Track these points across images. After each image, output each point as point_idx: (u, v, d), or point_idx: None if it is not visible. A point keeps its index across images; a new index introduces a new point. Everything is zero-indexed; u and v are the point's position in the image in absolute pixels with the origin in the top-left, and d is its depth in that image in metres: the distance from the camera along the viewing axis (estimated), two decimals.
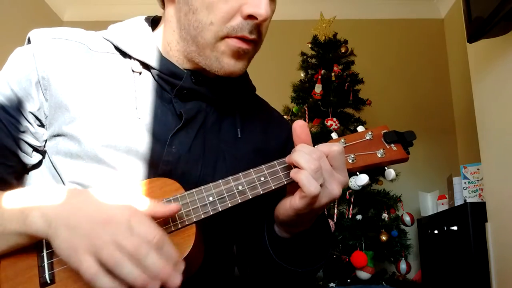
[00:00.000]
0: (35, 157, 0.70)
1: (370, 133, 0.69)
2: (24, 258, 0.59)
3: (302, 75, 2.74)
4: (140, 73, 0.72)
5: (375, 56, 3.29)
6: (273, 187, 0.63)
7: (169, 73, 0.71)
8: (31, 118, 0.68)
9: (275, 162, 0.65)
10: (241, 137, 0.77)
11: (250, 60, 0.72)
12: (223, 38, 0.66)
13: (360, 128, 0.72)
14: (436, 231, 2.51)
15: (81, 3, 3.46)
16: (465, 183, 2.34)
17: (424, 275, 2.68)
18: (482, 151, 2.03)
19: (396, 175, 2.10)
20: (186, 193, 0.62)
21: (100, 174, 0.65)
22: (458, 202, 2.39)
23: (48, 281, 0.58)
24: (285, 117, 2.53)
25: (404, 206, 2.47)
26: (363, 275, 2.19)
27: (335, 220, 2.28)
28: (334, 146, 0.62)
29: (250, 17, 0.65)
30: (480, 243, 2.01)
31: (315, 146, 0.63)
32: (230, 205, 0.62)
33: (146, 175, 0.67)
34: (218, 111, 0.76)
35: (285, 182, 0.64)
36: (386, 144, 0.68)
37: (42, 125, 0.69)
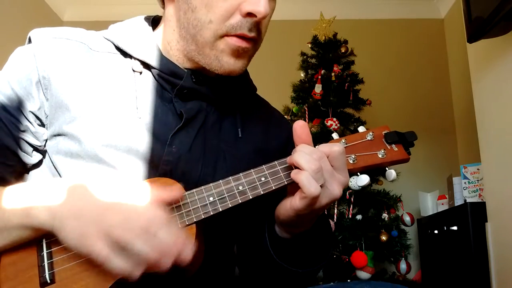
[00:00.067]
0: (35, 157, 0.70)
1: (371, 134, 0.69)
2: (24, 258, 0.60)
3: (302, 75, 2.74)
4: (140, 73, 0.72)
5: (375, 56, 3.29)
6: (273, 188, 0.63)
7: (169, 73, 0.71)
8: (31, 117, 0.68)
9: (276, 162, 0.65)
10: (242, 137, 0.77)
11: (250, 58, 0.71)
12: (222, 36, 0.66)
13: (361, 129, 0.71)
14: (436, 231, 2.51)
15: (81, 3, 3.46)
16: (465, 183, 2.34)
17: (424, 275, 2.68)
18: (482, 151, 2.03)
19: (396, 175, 2.10)
20: (186, 193, 0.62)
21: (100, 174, 0.65)
22: (458, 202, 2.39)
23: (48, 281, 0.58)
24: (285, 117, 2.53)
25: (404, 206, 2.47)
26: (363, 275, 2.19)
27: (335, 220, 2.28)
28: (335, 147, 0.62)
29: (249, 14, 0.65)
30: (480, 243, 2.01)
31: (316, 147, 0.63)
32: (230, 205, 0.62)
33: (146, 175, 0.66)
34: (219, 111, 0.76)
35: (286, 183, 0.63)
36: (387, 145, 0.68)
37: (42, 124, 0.69)
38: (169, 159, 0.68)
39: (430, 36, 3.40)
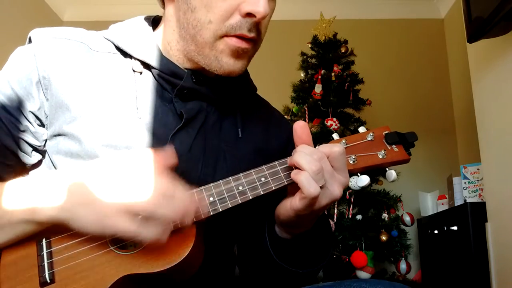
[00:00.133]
0: (34, 157, 0.70)
1: (371, 134, 0.69)
2: (24, 257, 0.60)
3: (302, 75, 2.74)
4: (140, 73, 0.72)
5: (375, 56, 3.29)
6: (273, 188, 0.63)
7: (169, 73, 0.71)
8: (31, 117, 0.67)
9: (276, 162, 0.65)
10: (242, 137, 0.77)
11: (250, 59, 0.71)
12: (222, 36, 0.66)
13: (362, 129, 0.71)
14: (436, 231, 2.51)
15: (81, 3, 3.46)
16: (465, 183, 2.34)
17: (424, 275, 2.68)
18: (482, 151, 2.03)
19: (397, 175, 2.10)
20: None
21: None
22: (458, 202, 2.39)
23: (48, 281, 0.58)
24: (285, 117, 2.53)
25: (404, 206, 2.47)
26: (363, 275, 2.19)
27: (335, 220, 2.28)
28: (335, 147, 0.62)
29: (249, 15, 0.64)
30: (480, 243, 2.01)
31: (316, 147, 0.63)
32: (230, 206, 0.62)
33: None
34: (219, 111, 0.76)
35: (286, 183, 0.63)
36: (388, 145, 0.68)
37: (42, 124, 0.69)
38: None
39: (430, 36, 3.40)
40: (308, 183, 0.58)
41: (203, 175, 0.70)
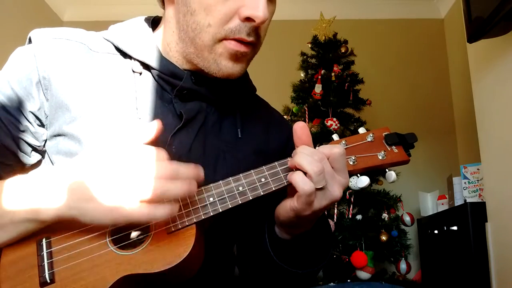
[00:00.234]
0: (34, 157, 0.70)
1: (371, 135, 0.69)
2: (24, 257, 0.60)
3: (302, 75, 2.74)
4: (140, 74, 0.72)
5: (375, 56, 3.29)
6: (273, 188, 0.63)
7: (169, 74, 0.71)
8: (31, 117, 0.67)
9: (276, 163, 0.65)
10: (242, 137, 0.77)
11: (249, 62, 0.71)
12: (221, 40, 0.66)
13: (361, 130, 0.71)
14: (436, 231, 2.51)
15: (81, 3, 3.46)
16: (465, 183, 2.34)
17: (424, 275, 2.68)
18: (482, 151, 2.03)
19: (396, 175, 2.10)
20: None
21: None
22: (458, 202, 2.39)
23: (48, 281, 0.58)
24: (285, 117, 2.53)
25: (404, 206, 2.47)
26: (363, 275, 2.19)
27: (335, 220, 2.28)
28: (336, 148, 0.62)
29: (248, 19, 0.64)
30: (480, 243, 2.01)
31: (316, 148, 0.63)
32: (230, 206, 0.62)
33: None
34: (219, 111, 0.76)
35: (286, 184, 0.63)
36: (387, 146, 0.68)
37: (42, 125, 0.69)
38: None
39: (430, 36, 3.40)
40: (301, 181, 0.59)
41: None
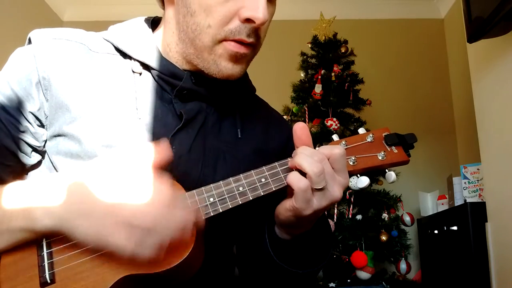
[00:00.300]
0: (34, 158, 0.70)
1: (371, 135, 0.69)
2: (24, 258, 0.60)
3: (302, 75, 2.74)
4: (140, 74, 0.72)
5: (375, 56, 3.29)
6: (273, 189, 0.63)
7: (169, 74, 0.71)
8: (31, 118, 0.67)
9: (276, 163, 0.65)
10: (241, 137, 0.77)
11: (248, 63, 0.71)
12: (220, 41, 0.66)
13: (361, 130, 0.71)
14: (436, 231, 2.51)
15: (81, 3, 3.46)
16: (465, 183, 2.34)
17: (424, 275, 2.68)
18: (482, 151, 2.03)
19: (396, 175, 2.10)
20: (186, 193, 0.62)
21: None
22: (458, 202, 2.39)
23: (48, 281, 0.58)
24: (285, 117, 2.54)
25: (404, 206, 2.47)
26: (363, 275, 2.19)
27: (335, 220, 2.28)
28: (336, 149, 0.62)
29: (248, 20, 0.64)
30: (480, 243, 2.01)
31: (316, 148, 0.63)
32: (230, 206, 0.62)
33: None
34: (218, 112, 0.76)
35: (286, 184, 0.63)
36: (387, 147, 0.68)
37: (42, 125, 0.69)
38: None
39: (430, 36, 3.40)
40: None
41: (203, 176, 0.70)
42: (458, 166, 2.66)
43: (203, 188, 0.63)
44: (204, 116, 0.73)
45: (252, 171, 0.64)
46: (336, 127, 2.42)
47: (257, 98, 0.88)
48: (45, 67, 0.67)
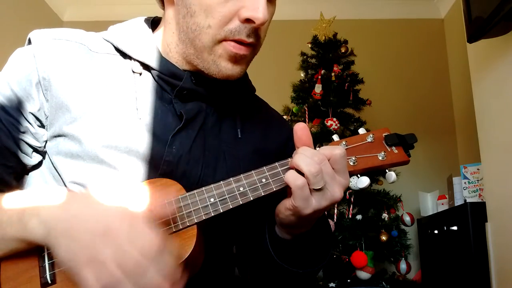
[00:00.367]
0: (35, 158, 0.70)
1: (371, 136, 0.69)
2: (25, 258, 0.59)
3: (302, 75, 2.74)
4: (140, 74, 0.72)
5: (375, 56, 3.29)
6: (274, 189, 0.63)
7: (169, 74, 0.71)
8: (31, 118, 0.67)
9: (277, 163, 0.65)
10: (241, 137, 0.77)
11: (248, 63, 0.72)
12: (220, 41, 0.66)
13: (361, 130, 0.72)
14: (436, 231, 2.51)
15: (81, 3, 3.46)
16: (465, 183, 2.34)
17: (424, 275, 2.68)
18: (482, 151, 2.03)
19: (396, 175, 2.10)
20: (187, 194, 0.62)
21: (100, 175, 0.65)
22: (458, 202, 2.39)
23: (49, 281, 0.58)
24: (285, 117, 2.54)
25: (404, 206, 2.47)
26: (363, 275, 2.19)
27: (335, 220, 2.28)
28: (337, 150, 0.62)
29: (248, 20, 0.64)
30: (480, 243, 2.01)
31: (317, 149, 0.63)
32: (231, 206, 0.62)
33: (147, 176, 0.67)
34: (218, 112, 0.76)
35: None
36: (387, 147, 0.68)
37: (42, 125, 0.69)
38: (170, 160, 0.68)
39: (430, 36, 3.40)
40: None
41: (203, 176, 0.70)
42: (458, 166, 2.66)
43: (203, 188, 0.63)
44: (204, 116, 0.73)
45: (253, 171, 0.64)
46: (336, 127, 2.42)
47: (257, 98, 0.88)
48: (45, 67, 0.67)
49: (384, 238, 2.24)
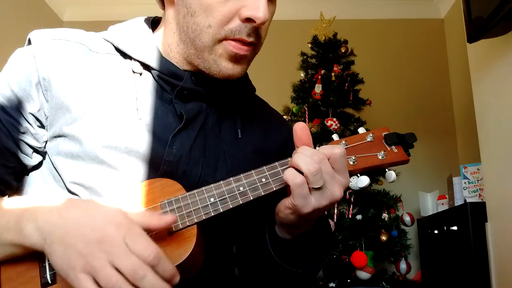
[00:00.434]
0: (35, 158, 0.70)
1: (371, 135, 0.69)
2: (25, 258, 0.59)
3: (302, 75, 2.74)
4: (140, 74, 0.72)
5: (375, 56, 3.29)
6: (274, 189, 0.64)
7: (169, 74, 0.71)
8: (31, 119, 0.67)
9: (277, 163, 0.65)
10: (242, 137, 0.77)
11: (249, 63, 0.72)
12: (221, 41, 0.66)
13: (361, 130, 0.72)
14: (436, 231, 2.51)
15: (81, 3, 3.46)
16: (465, 183, 2.34)
17: (424, 275, 2.68)
18: (482, 151, 2.04)
19: (396, 175, 2.10)
20: (187, 194, 0.62)
21: (101, 175, 0.65)
22: (458, 202, 2.39)
23: (49, 281, 0.58)
24: (285, 117, 2.54)
25: (404, 206, 2.47)
26: (363, 275, 2.19)
27: (335, 220, 2.28)
28: (336, 149, 0.62)
29: (248, 20, 0.64)
30: (480, 243, 2.01)
31: (317, 148, 0.63)
32: (231, 206, 0.62)
33: (147, 176, 0.67)
34: (219, 112, 0.76)
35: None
36: (387, 146, 0.68)
37: (42, 126, 0.69)
38: (170, 160, 0.68)
39: (430, 36, 3.40)
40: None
41: (203, 176, 0.70)
42: (458, 166, 2.66)
43: (203, 188, 0.63)
44: (204, 117, 0.73)
45: (253, 171, 0.64)
46: (336, 127, 2.42)
47: (257, 98, 0.88)
48: (45, 67, 0.67)
49: (384, 238, 2.24)
